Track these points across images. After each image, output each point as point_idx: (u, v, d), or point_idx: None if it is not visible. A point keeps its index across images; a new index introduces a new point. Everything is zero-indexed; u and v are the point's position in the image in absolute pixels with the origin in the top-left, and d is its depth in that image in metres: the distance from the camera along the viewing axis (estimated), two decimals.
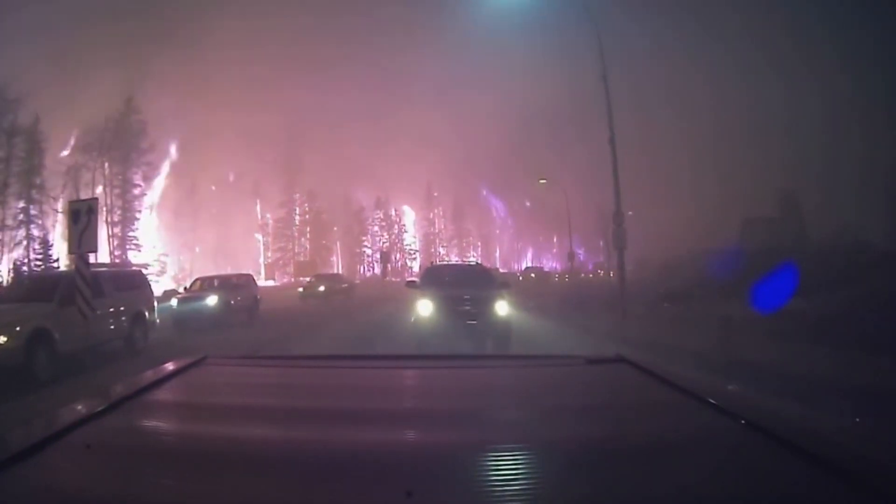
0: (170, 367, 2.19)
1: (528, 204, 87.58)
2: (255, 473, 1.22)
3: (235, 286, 22.23)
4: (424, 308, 11.90)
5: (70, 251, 11.54)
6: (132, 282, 14.66)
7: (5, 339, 9.98)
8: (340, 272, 60.43)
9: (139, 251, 54.71)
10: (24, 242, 47.57)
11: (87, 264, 11.07)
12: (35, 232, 48.51)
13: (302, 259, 76.60)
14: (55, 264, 44.92)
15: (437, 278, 14.05)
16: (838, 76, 42.96)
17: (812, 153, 42.52)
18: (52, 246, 48.39)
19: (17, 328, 10.20)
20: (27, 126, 47.33)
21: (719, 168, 48.67)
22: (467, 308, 11.84)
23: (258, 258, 76.51)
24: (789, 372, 8.24)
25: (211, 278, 23.44)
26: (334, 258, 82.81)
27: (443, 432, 1.57)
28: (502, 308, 12.00)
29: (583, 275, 39.67)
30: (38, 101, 47.31)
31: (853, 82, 41.24)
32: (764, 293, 11.90)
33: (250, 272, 28.64)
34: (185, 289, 24.95)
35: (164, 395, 1.91)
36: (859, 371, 8.17)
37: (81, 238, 10.62)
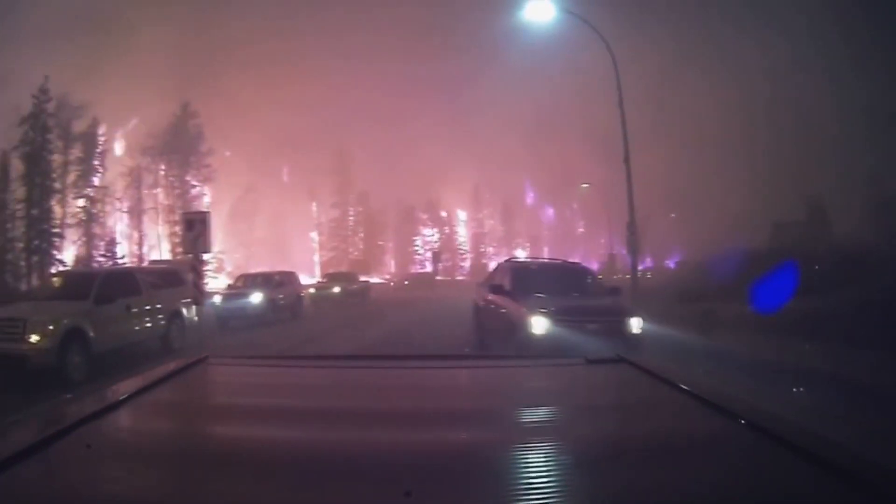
0: (170, 367, 2.13)
1: (574, 206, 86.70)
2: (254, 473, 1.19)
3: (279, 283, 21.89)
4: (539, 327, 9.37)
5: (185, 252, 13.85)
6: (170, 279, 14.35)
7: (38, 338, 9.80)
8: (381, 270, 60.34)
9: None
10: (84, 240, 48.83)
11: (201, 262, 13.27)
12: (97, 230, 49.85)
13: (356, 257, 77.46)
14: (121, 261, 46.15)
15: (533, 283, 11.05)
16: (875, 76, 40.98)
17: (843, 156, 41.04)
18: (117, 244, 49.83)
19: (51, 327, 9.93)
20: (87, 129, 48.86)
21: (757, 169, 47.27)
22: (594, 325, 9.25)
23: (313, 256, 77.52)
24: (741, 355, 9.50)
25: (254, 275, 23.24)
26: (388, 257, 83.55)
27: (443, 432, 1.54)
28: (637, 324, 9.69)
29: (618, 276, 38.35)
30: (99, 104, 49.07)
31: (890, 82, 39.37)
32: (765, 293, 12.88)
33: (293, 270, 27.86)
34: (229, 286, 24.87)
35: (164, 395, 1.88)
36: (804, 357, 9.90)
37: (195, 242, 12.54)
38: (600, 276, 14.73)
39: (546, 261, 14.85)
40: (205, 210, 14.27)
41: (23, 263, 42.89)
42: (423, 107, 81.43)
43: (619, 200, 19.96)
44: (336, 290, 30.61)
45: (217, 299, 19.94)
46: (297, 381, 2.20)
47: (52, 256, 44.27)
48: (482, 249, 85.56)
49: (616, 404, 1.87)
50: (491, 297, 11.64)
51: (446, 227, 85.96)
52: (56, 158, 46.03)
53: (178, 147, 54.17)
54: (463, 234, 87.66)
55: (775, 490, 1.09)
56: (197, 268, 13.20)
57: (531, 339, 9.25)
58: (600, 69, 18.84)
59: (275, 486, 1.11)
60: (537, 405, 1.85)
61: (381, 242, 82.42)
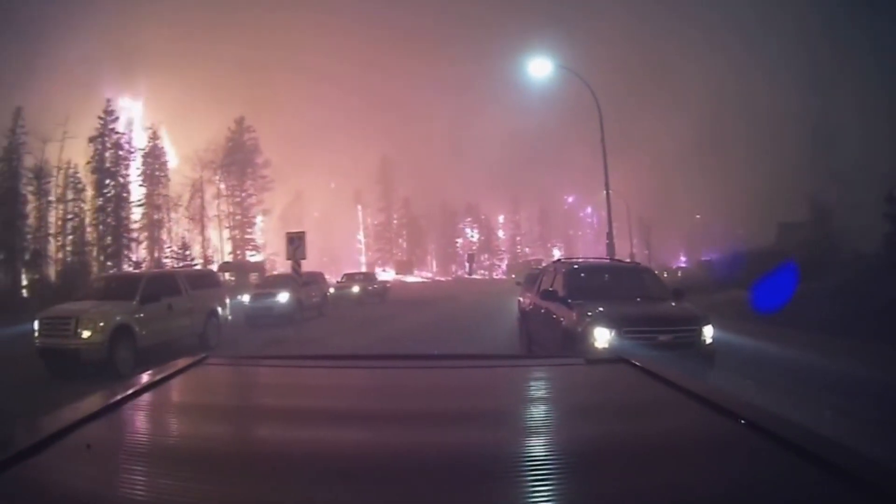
0: (170, 367, 2.06)
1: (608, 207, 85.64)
2: (254, 473, 1.18)
3: (305, 283, 21.27)
4: (602, 339, 7.88)
5: (287, 259, 16.86)
6: (206, 281, 14.96)
7: (89, 333, 10.24)
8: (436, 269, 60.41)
9: (257, 252, 57.34)
10: (146, 244, 50.71)
11: (300, 265, 16.76)
12: (163, 236, 51.90)
13: (399, 258, 78.65)
14: (193, 263, 47.36)
15: (590, 288, 9.48)
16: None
17: (850, 155, 39.77)
18: (189, 247, 51.75)
19: (101, 324, 10.41)
20: (152, 144, 51.18)
21: (766, 173, 46.20)
22: (666, 337, 7.86)
23: (360, 257, 78.68)
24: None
25: (282, 276, 22.84)
26: (430, 258, 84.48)
27: (443, 432, 1.49)
28: (709, 333, 8.19)
29: None
30: (162, 121, 51.78)
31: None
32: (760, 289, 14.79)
33: (321, 270, 28.08)
34: (257, 285, 25.09)
35: (164, 395, 1.83)
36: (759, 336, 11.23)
37: (295, 252, 16.00)
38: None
39: (601, 261, 13.05)
40: (302, 231, 16.87)
41: (94, 265, 45.11)
42: (466, 119, 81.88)
43: (643, 205, 21.27)
44: (355, 289, 30.29)
45: (245, 299, 19.85)
46: (296, 381, 2.13)
47: (126, 258, 46.58)
48: (519, 250, 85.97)
49: (616, 404, 1.76)
50: (541, 302, 10.09)
51: (484, 229, 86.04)
52: (123, 172, 48.18)
53: (236, 159, 55.93)
54: (501, 235, 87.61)
55: (775, 490, 1.07)
56: (296, 268, 16.83)
57: (593, 350, 7.80)
58: (619, 92, 19.64)
59: (274, 486, 1.10)
60: (537, 405, 1.82)
61: (421, 244, 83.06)
